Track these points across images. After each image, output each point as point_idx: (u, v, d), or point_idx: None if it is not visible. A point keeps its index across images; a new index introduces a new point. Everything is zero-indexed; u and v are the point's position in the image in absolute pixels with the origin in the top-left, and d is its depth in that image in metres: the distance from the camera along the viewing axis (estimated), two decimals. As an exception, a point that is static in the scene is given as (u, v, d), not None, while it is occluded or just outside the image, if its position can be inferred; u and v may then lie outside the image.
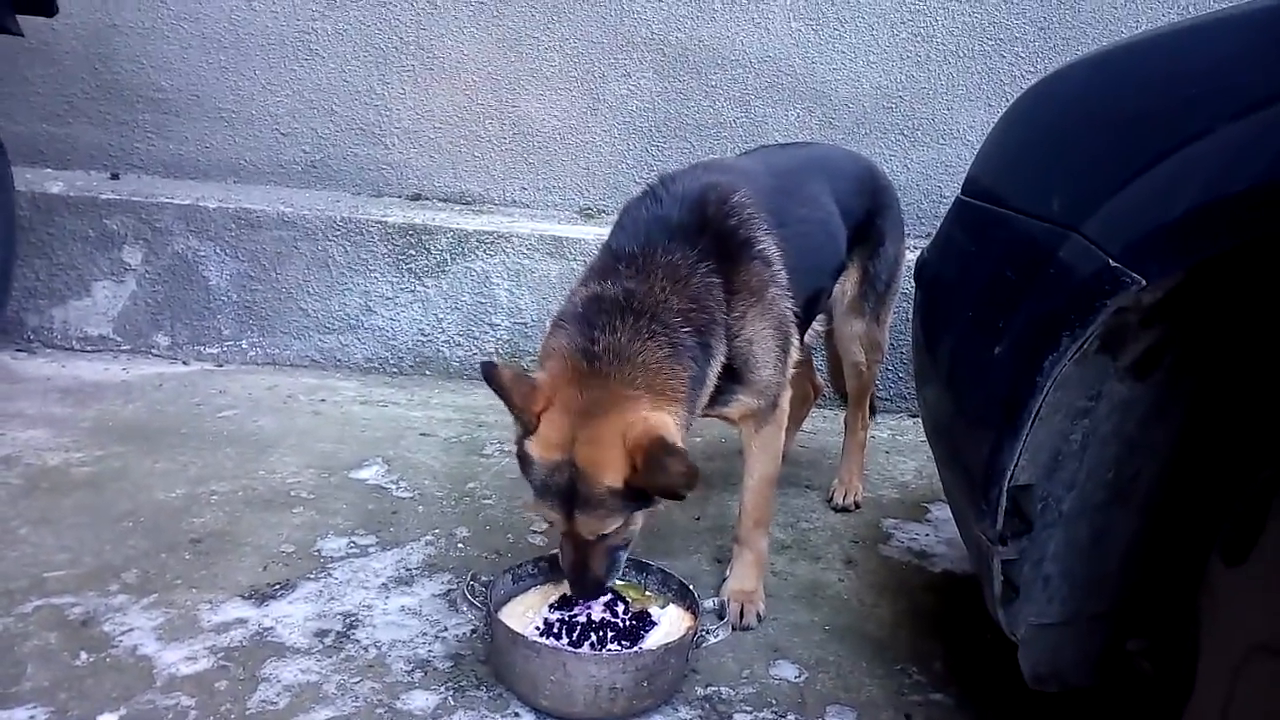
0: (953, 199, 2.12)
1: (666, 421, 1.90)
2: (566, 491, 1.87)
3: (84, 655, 2.00)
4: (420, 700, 1.94)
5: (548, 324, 2.15)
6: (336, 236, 3.92)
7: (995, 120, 2.09)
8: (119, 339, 3.96)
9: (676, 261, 2.09)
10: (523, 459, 1.94)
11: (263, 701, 1.90)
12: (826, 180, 2.65)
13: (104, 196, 3.92)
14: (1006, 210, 1.80)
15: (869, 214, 2.77)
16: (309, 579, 2.35)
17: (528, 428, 1.91)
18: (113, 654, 2.01)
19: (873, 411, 3.32)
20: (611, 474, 1.84)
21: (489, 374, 1.92)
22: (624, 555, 2.04)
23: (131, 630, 2.10)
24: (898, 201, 2.95)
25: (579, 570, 1.97)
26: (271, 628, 2.14)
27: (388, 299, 3.96)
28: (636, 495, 1.87)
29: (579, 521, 1.89)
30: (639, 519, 1.99)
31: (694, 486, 1.83)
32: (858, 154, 3.11)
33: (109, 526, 2.53)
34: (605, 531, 1.92)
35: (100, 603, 2.19)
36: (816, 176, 2.65)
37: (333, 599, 2.27)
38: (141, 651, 2.03)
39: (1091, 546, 1.58)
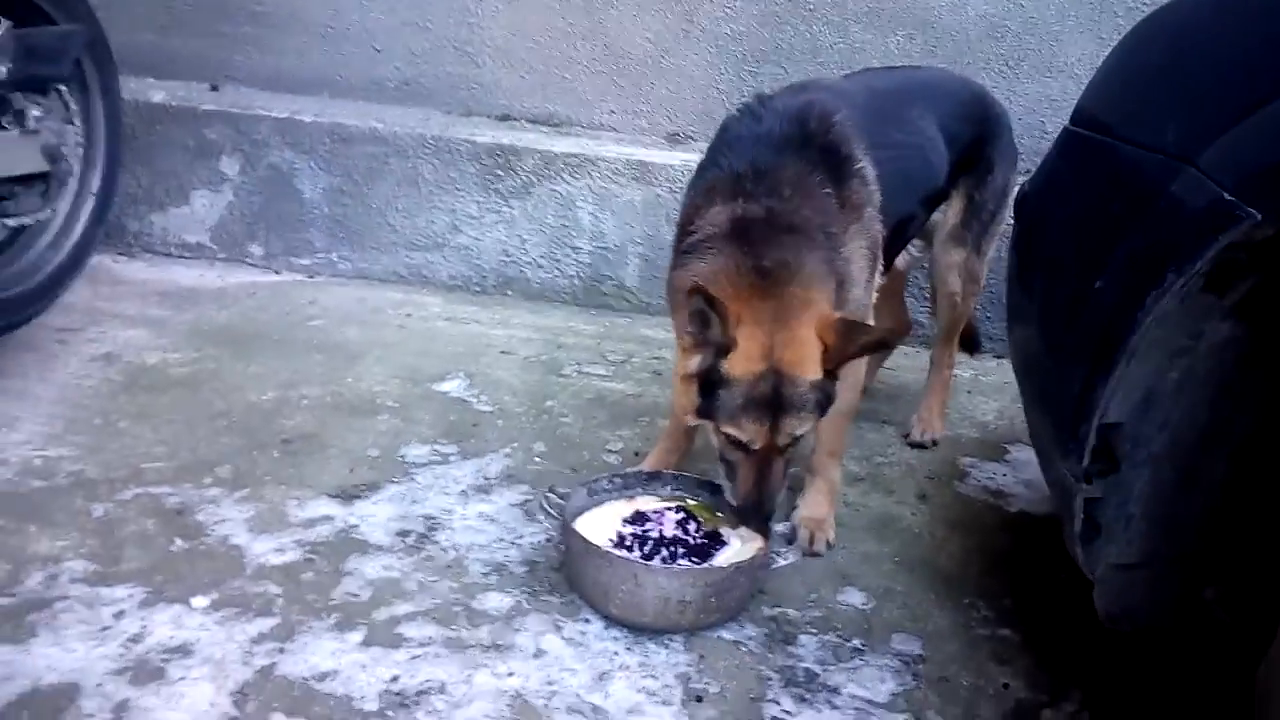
0: (1058, 133, 2.05)
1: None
2: (770, 400, 1.92)
3: (179, 542, 2.11)
4: (495, 601, 2.01)
5: (671, 255, 2.18)
6: (426, 154, 3.95)
7: (1105, 54, 2.01)
8: (215, 247, 4.09)
9: (798, 174, 2.10)
10: (711, 383, 1.94)
11: (346, 593, 1.99)
12: (930, 105, 2.58)
13: (204, 107, 4.02)
14: (1116, 140, 1.74)
15: (977, 141, 2.70)
16: (393, 482, 2.43)
17: (725, 347, 1.92)
18: (206, 542, 2.12)
19: (977, 347, 3.28)
20: (812, 367, 1.93)
21: (704, 294, 1.86)
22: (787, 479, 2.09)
23: (224, 521, 2.20)
24: (1010, 130, 2.85)
25: (761, 489, 1.99)
26: (356, 525, 2.23)
27: (473, 218, 3.99)
28: (826, 391, 1.97)
29: (782, 427, 1.94)
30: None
31: (896, 339, 1.95)
32: (969, 79, 3.00)
33: (204, 424, 2.64)
34: (802, 433, 1.98)
35: (195, 494, 2.30)
36: (919, 101, 2.58)
37: (415, 502, 2.35)
38: (233, 541, 2.13)
39: (1177, 490, 1.55)
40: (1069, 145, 1.97)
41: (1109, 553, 1.59)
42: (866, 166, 2.20)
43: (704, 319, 1.90)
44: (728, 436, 1.98)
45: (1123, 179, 1.66)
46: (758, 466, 1.99)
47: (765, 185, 2.07)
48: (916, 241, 2.79)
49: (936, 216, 2.72)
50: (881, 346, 1.97)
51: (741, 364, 1.92)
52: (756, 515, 2.01)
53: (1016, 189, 2.34)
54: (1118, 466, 1.53)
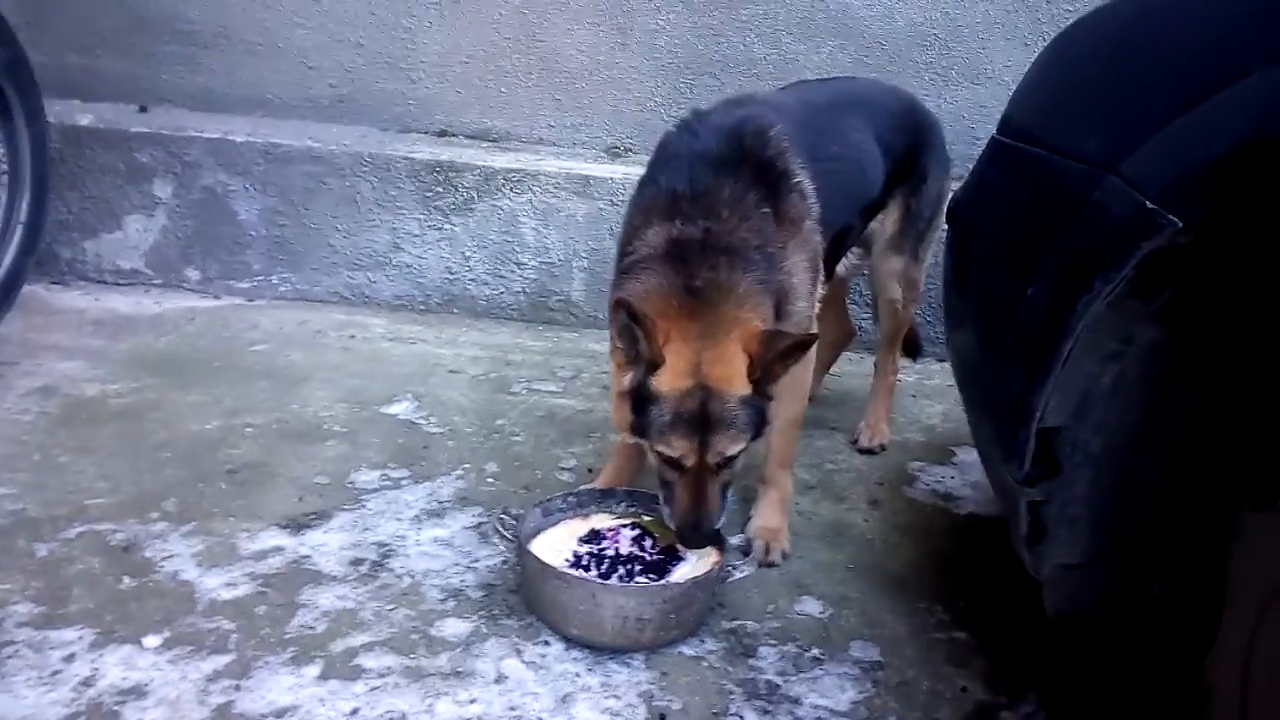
0: (987, 140, 2.10)
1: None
2: (698, 416, 1.93)
3: (127, 580, 2.07)
4: (454, 627, 2.00)
5: (612, 273, 2.19)
6: (364, 172, 3.92)
7: (1032, 60, 2.06)
8: (151, 272, 4.00)
9: (737, 197, 2.11)
10: (642, 400, 1.96)
11: (301, 626, 1.96)
12: (865, 116, 2.62)
13: (133, 129, 3.93)
14: (1042, 150, 1.79)
15: (911, 150, 2.75)
16: (343, 509, 2.40)
17: (654, 363, 1.94)
18: (155, 579, 2.08)
19: (919, 352, 3.33)
20: (739, 382, 1.94)
21: (629, 309, 1.90)
22: (729, 498, 2.09)
23: (172, 556, 2.16)
24: (942, 138, 2.92)
25: (698, 510, 1.99)
26: (308, 556, 2.20)
27: (415, 236, 3.96)
28: (758, 410, 1.97)
29: (712, 444, 1.95)
30: (747, 451, 2.06)
31: (812, 340, 2.02)
32: (900, 89, 3.06)
33: (146, 456, 2.59)
34: (733, 452, 1.98)
35: (141, 530, 2.25)
36: (853, 112, 2.63)
37: (367, 529, 2.33)
38: (183, 577, 2.09)
39: (1119, 490, 1.60)
40: (996, 155, 2.02)
41: (1055, 554, 1.63)
42: (804, 181, 2.23)
43: (631, 335, 1.93)
44: (660, 454, 2.00)
45: (1049, 188, 1.70)
46: (693, 486, 1.99)
47: (701, 206, 2.08)
48: (856, 249, 2.84)
49: (874, 226, 2.77)
50: (800, 349, 1.97)
51: (669, 380, 1.94)
52: (695, 535, 2.02)
53: (950, 196, 2.40)
54: (1059, 469, 1.56)
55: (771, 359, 1.95)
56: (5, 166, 2.95)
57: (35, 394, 2.89)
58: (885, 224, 2.79)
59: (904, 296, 2.89)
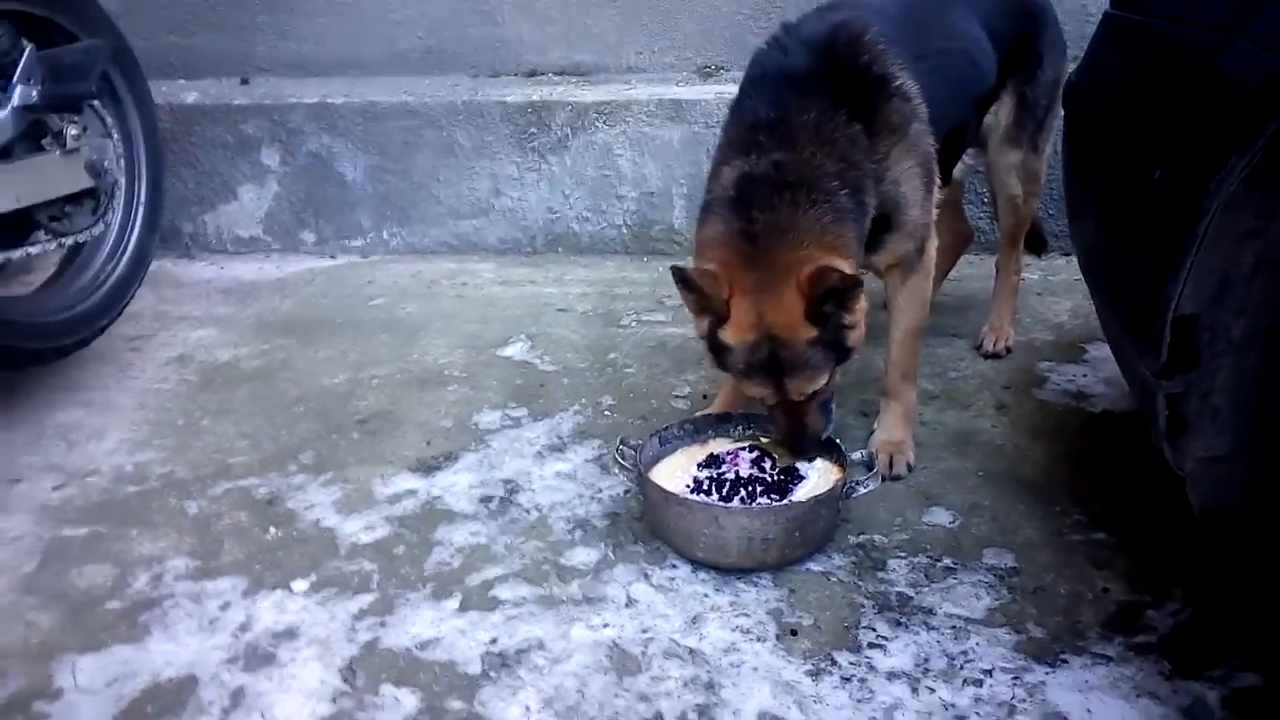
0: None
1: (834, 260, 1.90)
2: (771, 364, 1.93)
3: (273, 530, 2.18)
4: (582, 556, 2.04)
5: (700, 212, 2.13)
6: (459, 121, 3.94)
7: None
8: (269, 238, 4.15)
9: (817, 119, 2.03)
10: (717, 349, 1.99)
11: (438, 563, 2.04)
12: (969, 3, 2.48)
13: (236, 102, 4.05)
14: (1161, 20, 1.66)
15: (1022, 36, 2.60)
16: (469, 450, 2.47)
17: (721, 316, 1.94)
18: (298, 528, 2.19)
19: (1044, 247, 3.20)
20: (802, 328, 1.90)
21: (681, 276, 1.92)
22: (833, 406, 2.12)
23: (313, 506, 2.27)
24: (1056, 20, 2.74)
25: (799, 432, 2.05)
26: (439, 496, 2.28)
27: (514, 179, 3.98)
28: (832, 344, 1.94)
29: (790, 387, 1.95)
30: (837, 373, 2.05)
31: (850, 285, 1.87)
32: None
33: (281, 413, 2.71)
34: (816, 388, 1.98)
35: (282, 482, 2.36)
36: (956, 2, 2.49)
37: (493, 468, 2.39)
38: (324, 524, 2.20)
39: (1265, 375, 1.50)
40: (1111, 30, 1.89)
41: (1198, 447, 1.55)
42: (906, 83, 2.13)
43: (693, 292, 1.94)
44: (748, 393, 2.05)
45: (1171, 60, 1.58)
46: (787, 415, 2.04)
47: (779, 135, 2.02)
48: (969, 148, 2.71)
49: (989, 119, 2.64)
50: (847, 288, 1.86)
51: (735, 333, 1.94)
52: (802, 449, 2.07)
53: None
54: (1197, 359, 1.48)
55: (822, 297, 1.86)
56: (121, 151, 3.07)
57: (174, 363, 3.06)
58: (999, 116, 2.65)
59: (1024, 191, 2.76)
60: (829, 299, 1.87)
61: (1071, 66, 2.22)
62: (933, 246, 2.31)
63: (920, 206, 2.19)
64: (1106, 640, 1.75)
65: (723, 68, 4.08)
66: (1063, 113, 2.21)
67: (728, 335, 1.94)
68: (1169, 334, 1.47)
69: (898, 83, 2.13)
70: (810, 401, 2.01)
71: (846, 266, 1.92)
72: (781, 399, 1.99)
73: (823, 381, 1.98)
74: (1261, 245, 1.40)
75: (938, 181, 2.28)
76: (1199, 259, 1.41)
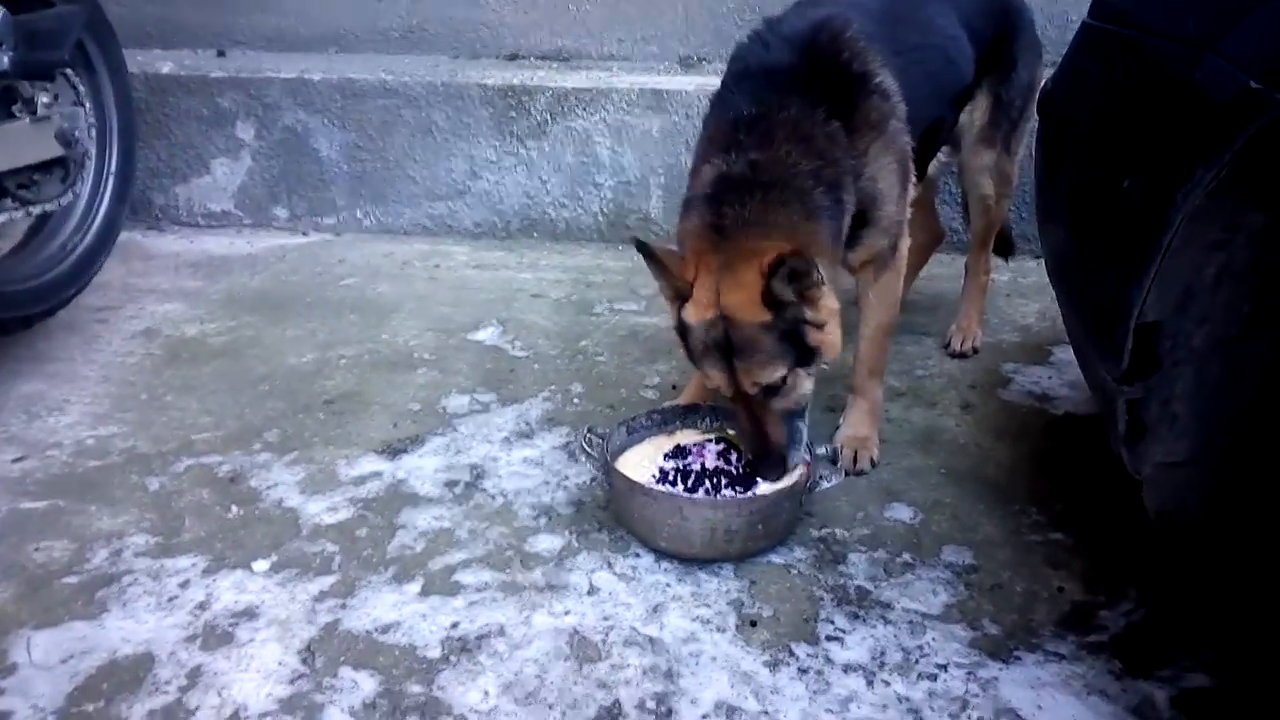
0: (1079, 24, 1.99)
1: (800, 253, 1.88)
2: (723, 345, 1.91)
3: (234, 508, 2.16)
4: (546, 543, 2.05)
5: (680, 208, 2.14)
6: (438, 102, 3.92)
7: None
8: (240, 213, 4.11)
9: (796, 116, 2.04)
10: (682, 331, 1.99)
11: (401, 546, 2.03)
12: (949, 2, 2.50)
13: (213, 74, 4.00)
14: (1136, 32, 1.68)
15: (999, 36, 2.62)
16: (436, 434, 2.46)
17: (683, 295, 1.95)
18: (261, 507, 2.17)
19: (1012, 250, 3.21)
20: (754, 309, 1.88)
21: (643, 249, 1.95)
22: (803, 425, 2.03)
23: (276, 485, 2.25)
24: (1032, 22, 2.77)
25: (759, 440, 1.99)
26: (404, 479, 2.27)
27: (491, 163, 3.97)
28: (788, 336, 1.90)
29: (740, 373, 1.92)
30: (805, 380, 1.99)
31: (807, 268, 1.85)
32: None
33: (247, 391, 2.69)
34: (768, 381, 1.92)
35: (245, 460, 2.35)
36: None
37: (459, 452, 2.38)
38: (287, 504, 2.18)
39: (1223, 384, 1.52)
40: (1088, 39, 1.91)
41: (1155, 452, 1.57)
42: (885, 79, 2.14)
43: (659, 265, 1.95)
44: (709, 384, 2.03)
45: (1145, 71, 1.60)
46: (745, 415, 1.99)
47: (757, 133, 2.03)
48: (944, 146, 2.73)
49: (964, 118, 2.66)
50: (797, 270, 1.84)
51: (693, 312, 1.94)
52: (765, 464, 2.00)
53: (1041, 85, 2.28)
54: (1159, 366, 1.50)
55: (775, 275, 1.84)
56: (93, 120, 3.03)
57: (139, 336, 3.02)
58: (974, 116, 2.67)
59: (996, 192, 2.79)
60: (786, 280, 1.84)
61: (1049, 73, 2.23)
62: (905, 245, 2.32)
63: (896, 203, 2.21)
64: (1060, 638, 1.77)
65: (704, 59, 4.08)
66: (1037, 118, 2.23)
67: (688, 314, 1.95)
68: (1131, 340, 1.50)
69: (877, 80, 2.14)
70: (769, 404, 1.96)
71: (819, 262, 1.92)
72: (735, 389, 1.95)
73: (776, 375, 1.92)
74: (1225, 257, 1.43)
75: (914, 178, 2.30)
76: (1164, 268, 1.43)
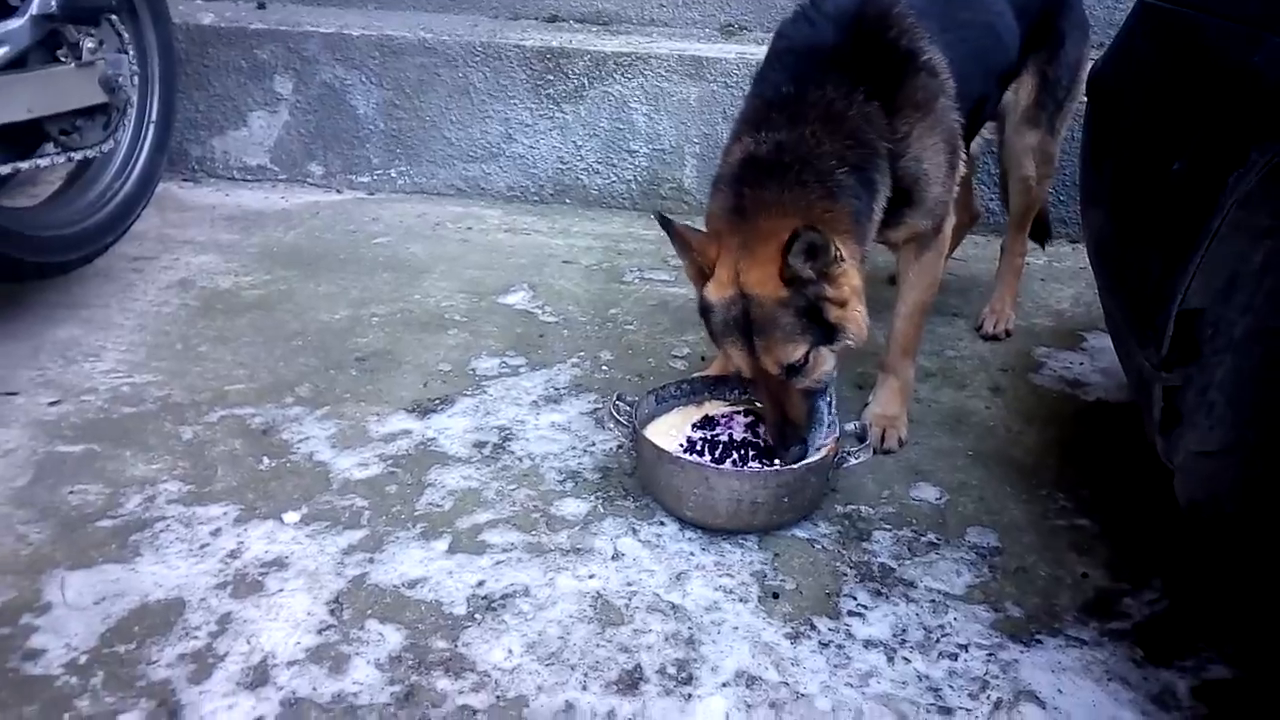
0: (1131, 4, 1.95)
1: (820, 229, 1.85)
2: (743, 323, 1.91)
3: (266, 460, 2.19)
4: (572, 507, 2.06)
5: (710, 186, 2.13)
6: (476, 63, 3.90)
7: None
8: (276, 168, 4.12)
9: (830, 97, 2.02)
10: (704, 311, 1.98)
11: (429, 504, 2.05)
12: None
13: (253, 26, 4.00)
14: (1195, 12, 1.65)
15: (1046, 13, 2.58)
16: (465, 395, 2.48)
17: (706, 275, 1.95)
18: (292, 459, 2.20)
19: (1048, 236, 3.17)
20: (772, 285, 1.87)
21: (666, 225, 1.96)
22: (824, 405, 2.02)
23: (308, 439, 2.27)
24: (1080, 0, 2.72)
25: (777, 419, 1.98)
26: (434, 439, 2.29)
27: (527, 126, 3.95)
28: (807, 313, 1.88)
29: (760, 351, 1.91)
30: (827, 359, 1.97)
31: (825, 244, 1.82)
32: None
33: (280, 345, 2.71)
34: (789, 360, 1.91)
35: (278, 413, 2.37)
36: None
37: (488, 414, 2.40)
38: (318, 458, 2.20)
39: (1262, 374, 1.50)
40: (1144, 18, 1.87)
41: (1190, 440, 1.56)
42: (933, 57, 2.11)
43: (679, 241, 1.97)
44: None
45: (1202, 53, 1.57)
46: (767, 396, 1.99)
47: (788, 113, 2.01)
48: (986, 124, 2.70)
49: (1008, 97, 2.62)
50: (814, 247, 1.82)
51: (714, 289, 1.94)
52: (784, 445, 1.98)
53: (1090, 64, 2.24)
54: (1198, 354, 1.48)
55: (792, 249, 1.81)
56: (136, 68, 3.04)
57: (175, 286, 3.05)
58: (1019, 95, 2.63)
59: (1038, 173, 2.75)
60: (803, 256, 1.82)
61: (1097, 53, 2.20)
62: (950, 224, 2.31)
63: (942, 184, 2.18)
64: (1082, 624, 1.77)
65: (745, 27, 4.03)
66: (1084, 97, 2.20)
67: (709, 292, 1.95)
68: (1172, 327, 1.48)
69: (925, 57, 2.11)
70: (790, 382, 1.95)
71: (839, 241, 1.89)
72: (756, 368, 1.94)
73: (797, 354, 1.90)
74: (1273, 244, 1.40)
75: (963, 158, 2.27)
76: (1210, 254, 1.41)
